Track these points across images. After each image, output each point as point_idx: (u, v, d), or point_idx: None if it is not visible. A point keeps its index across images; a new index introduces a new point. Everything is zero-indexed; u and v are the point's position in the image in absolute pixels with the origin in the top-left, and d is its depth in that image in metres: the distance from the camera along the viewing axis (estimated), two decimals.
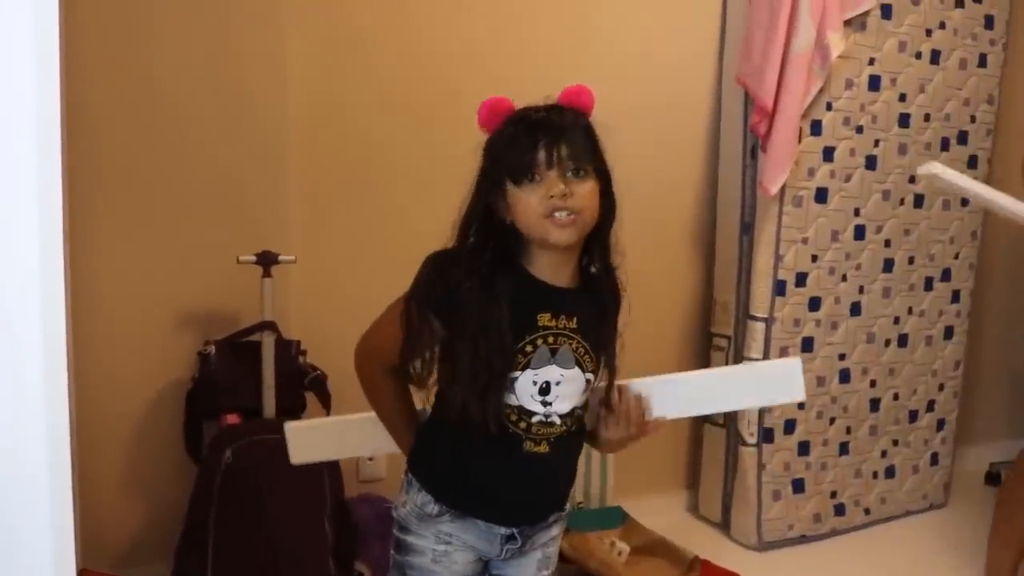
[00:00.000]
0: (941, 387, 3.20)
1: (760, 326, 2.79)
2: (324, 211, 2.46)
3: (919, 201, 2.99)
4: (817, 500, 2.95)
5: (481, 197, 1.46)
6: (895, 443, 3.12)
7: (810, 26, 2.60)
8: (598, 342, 1.50)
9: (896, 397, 3.09)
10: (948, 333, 3.17)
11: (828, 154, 2.77)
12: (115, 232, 2.24)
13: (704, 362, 3.02)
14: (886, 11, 2.79)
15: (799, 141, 2.69)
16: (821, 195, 2.79)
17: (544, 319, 1.44)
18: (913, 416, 3.15)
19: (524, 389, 1.44)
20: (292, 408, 2.25)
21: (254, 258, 2.20)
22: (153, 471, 2.36)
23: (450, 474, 1.52)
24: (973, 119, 3.07)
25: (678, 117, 2.89)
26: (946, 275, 3.12)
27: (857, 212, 2.86)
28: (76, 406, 2.02)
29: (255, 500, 2.10)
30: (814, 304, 2.84)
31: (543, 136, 1.42)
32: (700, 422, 3.05)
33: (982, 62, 3.04)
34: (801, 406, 2.86)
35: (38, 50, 0.68)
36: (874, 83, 2.81)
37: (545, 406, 1.45)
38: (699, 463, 3.07)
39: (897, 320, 3.03)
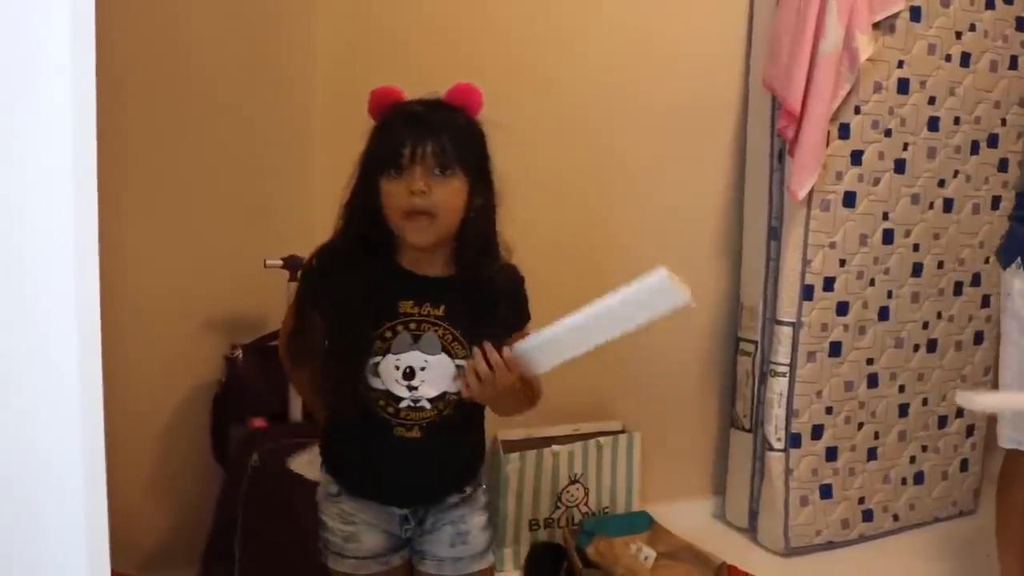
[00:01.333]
0: None
1: (787, 331, 2.77)
2: None
3: (948, 205, 2.97)
4: (845, 506, 2.93)
5: (356, 184, 1.53)
6: (924, 449, 3.09)
7: (838, 28, 2.58)
8: (472, 330, 1.51)
9: (925, 402, 3.06)
10: (978, 338, 3.14)
11: (856, 158, 2.75)
12: (142, 236, 2.25)
13: (731, 366, 3.00)
14: (915, 13, 2.77)
15: (827, 145, 2.67)
16: (849, 199, 2.76)
17: (406, 306, 1.49)
18: (942, 422, 3.12)
19: (388, 374, 1.49)
20: None
21: (281, 262, 2.21)
22: (180, 475, 2.37)
23: (341, 456, 1.61)
24: (1004, 122, 3.03)
25: (705, 121, 2.88)
26: (976, 280, 3.09)
27: (886, 216, 2.84)
28: (104, 410, 2.03)
29: (282, 504, 2.11)
30: (842, 309, 2.82)
31: (412, 131, 1.46)
32: (727, 427, 3.04)
33: (1013, 64, 3.01)
34: (829, 411, 2.84)
35: (74, 58, 0.69)
36: (903, 86, 2.79)
37: (411, 391, 1.50)
38: (726, 468, 3.05)
39: (926, 325, 3.00)
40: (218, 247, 2.33)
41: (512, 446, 2.67)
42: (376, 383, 1.50)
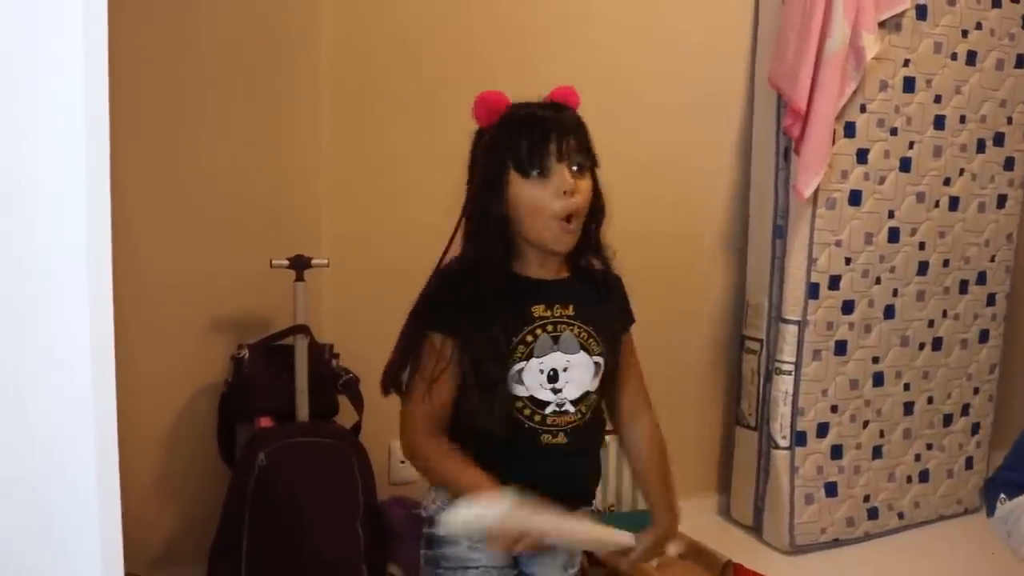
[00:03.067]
0: (976, 391, 3.16)
1: (793, 329, 2.77)
2: (356, 215, 2.47)
3: (954, 204, 2.96)
4: (850, 504, 2.93)
5: (484, 191, 1.46)
6: (929, 447, 3.09)
7: (844, 27, 2.58)
8: (601, 326, 1.52)
9: (930, 401, 3.06)
10: (983, 336, 3.14)
11: (862, 156, 2.75)
12: (148, 237, 2.26)
13: (737, 364, 3.00)
14: (921, 12, 2.76)
15: (833, 143, 2.67)
16: (855, 197, 2.76)
17: (539, 310, 1.48)
18: (947, 420, 3.12)
19: (532, 379, 1.47)
20: (325, 411, 2.26)
21: (287, 262, 2.21)
22: (187, 474, 2.37)
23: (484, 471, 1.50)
24: (1010, 120, 3.03)
25: (710, 119, 2.88)
26: (981, 278, 3.09)
27: (891, 214, 2.84)
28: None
29: (288, 503, 2.11)
30: (847, 307, 2.82)
31: (553, 129, 1.43)
32: (732, 425, 3.04)
33: (1019, 63, 3.00)
34: (834, 409, 2.85)
35: (88, 64, 0.70)
36: (909, 85, 2.79)
37: (555, 393, 1.48)
38: (731, 466, 3.06)
39: (931, 323, 3.00)
40: (224, 247, 2.34)
41: None
42: (520, 391, 1.47)
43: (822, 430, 2.84)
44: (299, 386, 2.20)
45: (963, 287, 3.05)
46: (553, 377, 1.48)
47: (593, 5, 2.70)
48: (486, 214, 1.46)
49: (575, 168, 1.43)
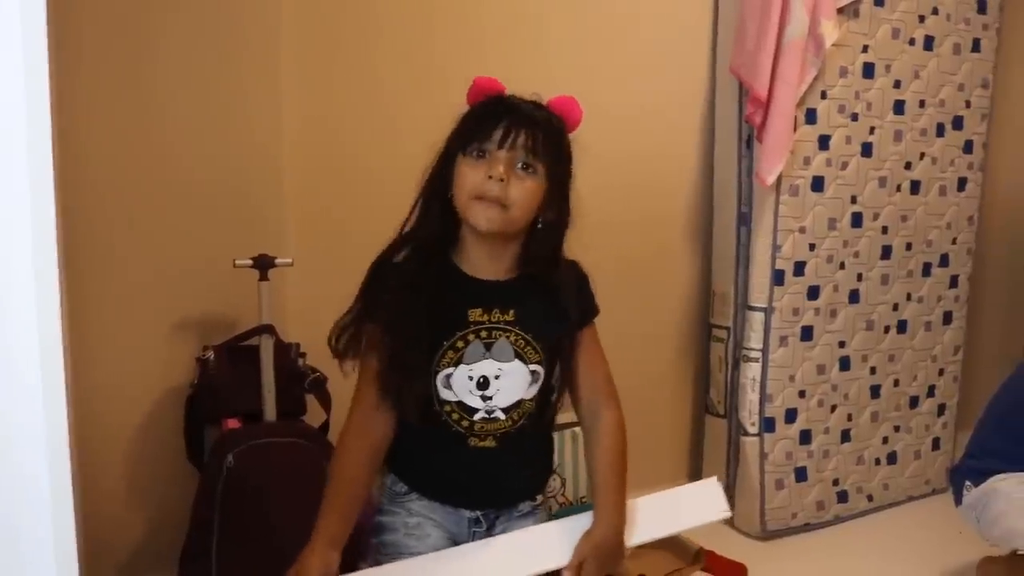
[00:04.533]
0: (941, 372, 3.20)
1: (759, 316, 2.78)
2: (321, 213, 2.45)
3: (916, 187, 2.99)
4: (820, 488, 2.96)
5: (437, 166, 1.47)
6: (896, 429, 3.12)
7: (803, 14, 2.59)
8: (543, 334, 1.49)
9: (896, 383, 3.09)
10: (947, 318, 3.17)
11: (824, 142, 2.77)
12: (110, 238, 2.23)
13: (704, 353, 3.02)
14: None
15: (794, 130, 2.68)
16: (817, 183, 2.78)
17: (475, 314, 1.45)
18: (914, 402, 3.15)
19: (461, 385, 1.46)
20: (293, 411, 2.24)
21: (251, 262, 2.19)
22: (155, 478, 2.35)
23: (410, 460, 1.54)
24: (968, 104, 3.07)
25: (672, 109, 2.89)
26: (944, 260, 3.12)
27: (854, 200, 2.86)
28: (76, 414, 2.01)
29: (258, 504, 2.10)
30: (813, 293, 2.84)
31: (507, 118, 1.42)
32: (701, 414, 3.06)
33: (976, 47, 3.04)
34: (802, 394, 2.87)
35: (26, 56, 0.68)
36: (868, 70, 2.81)
37: (485, 400, 1.46)
38: (701, 455, 3.07)
39: (896, 307, 3.03)
40: (187, 248, 2.31)
41: None
42: (448, 395, 1.46)
43: (790, 416, 2.86)
44: (266, 386, 2.18)
45: (926, 270, 3.08)
46: (483, 384, 1.46)
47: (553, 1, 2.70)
48: (432, 192, 1.47)
49: (520, 165, 1.42)
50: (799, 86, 2.65)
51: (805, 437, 2.90)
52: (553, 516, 2.67)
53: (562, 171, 1.48)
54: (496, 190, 1.40)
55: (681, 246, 2.98)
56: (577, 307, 1.55)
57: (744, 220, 2.82)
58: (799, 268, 2.80)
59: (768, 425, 2.83)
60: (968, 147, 3.10)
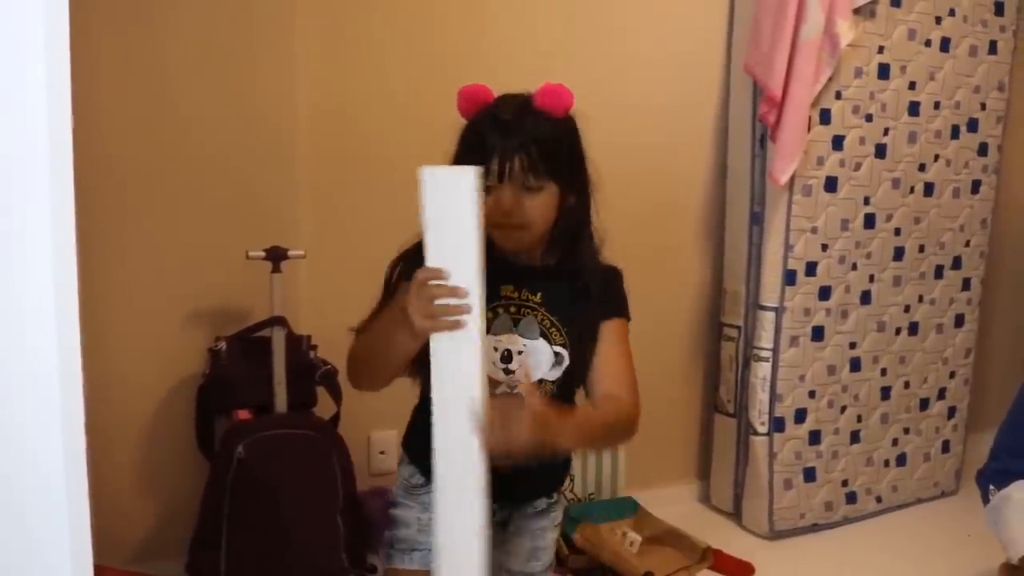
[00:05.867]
0: (952, 375, 3.19)
1: (770, 315, 2.78)
2: (333, 205, 2.46)
3: (929, 189, 2.98)
4: (828, 489, 2.95)
5: None
6: (906, 431, 3.11)
7: (819, 14, 2.58)
8: (569, 320, 1.51)
9: (907, 385, 3.08)
10: (959, 321, 3.16)
11: (838, 143, 2.76)
12: (124, 229, 2.24)
13: (715, 352, 3.02)
14: None
15: (808, 130, 2.68)
16: (831, 184, 2.78)
17: (507, 290, 1.49)
18: (924, 404, 3.14)
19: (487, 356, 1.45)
20: (303, 403, 2.25)
21: (263, 254, 2.20)
22: (166, 467, 2.36)
23: (428, 442, 1.50)
24: (983, 106, 3.05)
25: (686, 107, 2.88)
26: (956, 263, 3.11)
27: (867, 201, 2.86)
28: (88, 404, 2.02)
29: (267, 495, 2.11)
30: (824, 293, 2.84)
31: (502, 144, 1.42)
32: (710, 412, 3.06)
33: (992, 49, 3.02)
34: (812, 395, 2.86)
35: (48, 50, 0.69)
36: (883, 71, 2.80)
37: (507, 374, 1.49)
38: (710, 453, 3.07)
39: (907, 308, 3.03)
40: (200, 239, 2.33)
41: None
42: None
43: (800, 416, 2.86)
44: (277, 378, 2.19)
45: (938, 272, 3.07)
46: (507, 357, 1.49)
47: None
48: None
49: (528, 185, 1.43)
50: (814, 86, 2.65)
51: (814, 437, 2.90)
52: (564, 512, 2.69)
53: (567, 167, 1.50)
54: (511, 219, 1.43)
55: (693, 244, 2.98)
56: (602, 299, 1.55)
57: (756, 219, 2.81)
58: (811, 268, 2.80)
59: (777, 425, 2.83)
60: (983, 149, 3.08)
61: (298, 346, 2.28)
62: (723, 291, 2.97)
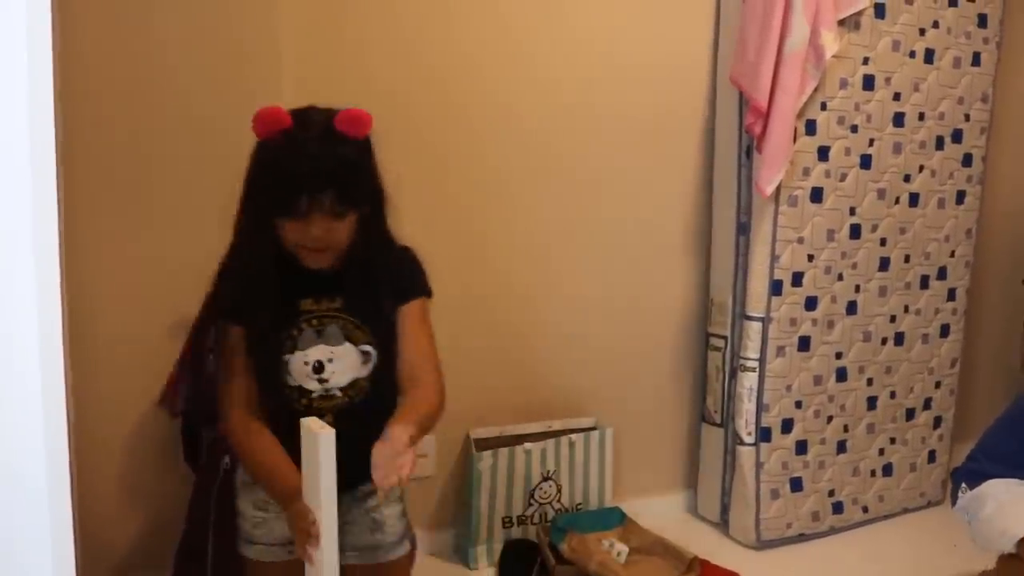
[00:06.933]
0: (938, 385, 3.20)
1: (757, 326, 2.79)
2: None
3: (914, 200, 3.00)
4: (815, 498, 2.96)
5: (248, 217, 1.59)
6: (892, 441, 3.12)
7: (804, 25, 2.60)
8: (370, 315, 1.61)
9: (893, 395, 3.09)
10: (944, 331, 3.18)
11: (823, 154, 2.78)
12: (111, 238, 2.23)
13: (702, 362, 3.02)
14: (879, 10, 2.79)
15: (794, 141, 2.69)
16: (816, 195, 2.79)
17: (307, 304, 1.59)
18: (910, 414, 3.15)
19: (299, 370, 1.58)
20: None
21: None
22: (151, 478, 2.35)
23: None
24: (967, 117, 3.07)
25: (672, 118, 2.89)
26: (942, 273, 3.12)
27: (853, 211, 2.87)
28: (72, 414, 2.01)
29: None
30: (810, 303, 2.85)
31: (309, 181, 1.49)
32: (697, 422, 3.06)
33: (976, 61, 3.05)
34: (799, 405, 2.87)
35: (31, 47, 0.68)
36: (868, 82, 2.82)
37: (321, 383, 1.59)
38: (697, 463, 3.07)
39: (893, 318, 3.04)
40: (190, 248, 2.31)
41: (484, 444, 2.68)
42: (289, 380, 1.58)
43: (787, 426, 2.86)
44: None
45: (924, 282, 3.09)
46: (319, 368, 1.58)
47: (554, 8, 2.70)
48: (252, 235, 1.59)
49: (331, 215, 1.51)
50: (799, 97, 2.66)
51: (801, 447, 2.91)
52: (552, 523, 2.69)
53: (366, 190, 1.58)
54: (320, 244, 1.53)
55: (680, 254, 2.99)
56: (396, 285, 1.64)
57: (743, 230, 2.82)
58: (797, 278, 2.81)
59: (764, 435, 2.83)
60: (967, 160, 3.10)
61: None
62: (709, 301, 2.98)
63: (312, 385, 1.58)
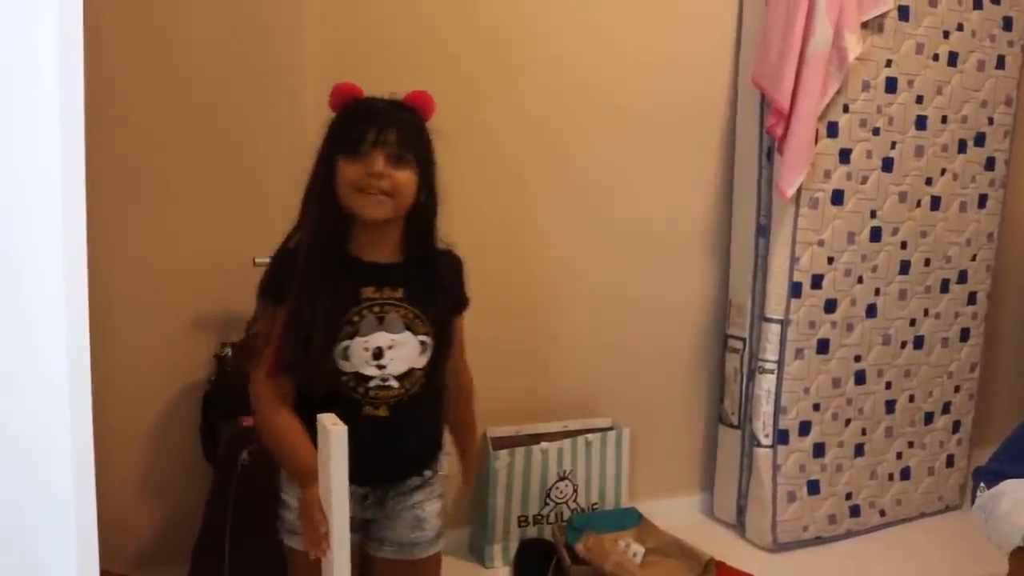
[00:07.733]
0: (957, 389, 3.19)
1: (776, 328, 2.78)
2: None
3: (936, 203, 2.98)
4: (832, 501, 2.95)
5: (318, 168, 1.62)
6: (910, 445, 3.11)
7: (827, 27, 2.59)
8: (429, 308, 1.65)
9: (912, 399, 3.08)
10: (964, 335, 3.16)
11: (844, 156, 2.77)
12: (132, 235, 2.25)
13: (720, 363, 3.02)
14: (903, 13, 2.78)
15: (815, 143, 2.68)
16: (837, 197, 2.78)
17: (368, 292, 1.61)
18: (929, 418, 3.14)
19: (357, 356, 1.59)
20: None
21: (270, 260, 2.20)
22: (170, 473, 2.37)
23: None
24: (991, 121, 3.05)
25: (694, 119, 2.89)
26: (962, 277, 3.11)
27: (873, 214, 2.86)
28: (93, 410, 2.03)
29: (271, 501, 2.11)
30: (830, 306, 2.84)
31: (375, 120, 1.58)
32: (715, 424, 3.05)
33: (1000, 64, 3.02)
34: (816, 407, 2.86)
35: (62, 53, 0.69)
36: (891, 85, 2.80)
37: (380, 369, 1.60)
38: (714, 465, 3.07)
39: (913, 322, 3.02)
40: (208, 246, 2.33)
41: (501, 443, 2.68)
42: (346, 366, 1.59)
43: (804, 428, 2.86)
44: None
45: (944, 286, 3.07)
46: (378, 354, 1.60)
47: (578, 8, 2.70)
48: (318, 193, 1.61)
49: (393, 158, 1.57)
50: (821, 99, 2.65)
51: (819, 450, 2.90)
52: (568, 522, 2.69)
53: (427, 159, 1.64)
54: (378, 184, 1.55)
55: (699, 256, 2.98)
56: (453, 292, 1.73)
57: (763, 231, 2.81)
58: (817, 281, 2.80)
59: (782, 437, 2.83)
60: (990, 164, 3.08)
61: None
62: (728, 303, 2.97)
63: (370, 371, 1.59)
